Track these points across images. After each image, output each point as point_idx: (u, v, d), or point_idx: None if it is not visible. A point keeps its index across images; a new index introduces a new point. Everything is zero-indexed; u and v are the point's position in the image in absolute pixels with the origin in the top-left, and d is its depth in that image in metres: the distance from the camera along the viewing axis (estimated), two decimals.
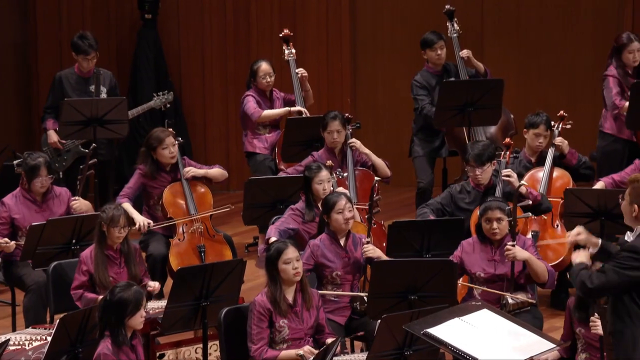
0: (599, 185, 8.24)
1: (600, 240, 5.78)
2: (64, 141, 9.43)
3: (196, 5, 11.44)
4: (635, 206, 5.49)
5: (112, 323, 6.07)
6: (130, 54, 11.36)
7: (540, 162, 8.51)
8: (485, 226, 7.21)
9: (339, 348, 6.68)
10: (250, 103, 9.33)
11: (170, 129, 8.37)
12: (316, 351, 6.46)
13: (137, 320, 6.11)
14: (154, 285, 7.15)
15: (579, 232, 5.89)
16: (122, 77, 11.16)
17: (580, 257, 5.72)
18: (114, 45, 11.47)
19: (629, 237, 5.61)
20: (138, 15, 11.28)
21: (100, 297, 6.91)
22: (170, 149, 8.22)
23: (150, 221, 8.18)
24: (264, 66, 9.35)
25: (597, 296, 5.73)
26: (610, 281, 5.46)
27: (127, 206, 8.11)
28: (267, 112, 9.32)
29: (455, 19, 9.58)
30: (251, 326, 6.53)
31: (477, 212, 7.50)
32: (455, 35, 9.51)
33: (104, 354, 6.02)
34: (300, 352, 6.44)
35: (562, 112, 8.63)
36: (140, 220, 8.15)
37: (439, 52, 9.36)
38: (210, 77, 11.51)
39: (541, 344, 5.65)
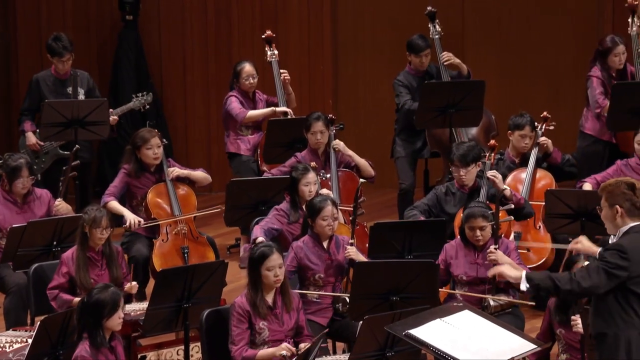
0: (587, 187, 8.26)
1: (599, 250, 5.71)
2: (42, 143, 9.40)
3: (177, 6, 11.42)
4: (617, 207, 5.49)
5: (89, 325, 6.05)
6: (111, 55, 11.33)
7: (524, 163, 8.53)
8: (468, 233, 7.23)
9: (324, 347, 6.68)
10: (234, 104, 9.32)
11: (157, 130, 8.37)
12: (293, 348, 6.47)
13: (115, 322, 6.09)
14: (130, 285, 7.13)
15: (578, 241, 5.86)
16: (103, 79, 11.14)
17: (512, 269, 5.62)
18: (94, 46, 11.44)
19: (612, 240, 5.60)
20: (119, 17, 11.25)
21: (76, 299, 6.90)
22: (154, 149, 8.21)
23: (141, 219, 8.16)
24: (248, 67, 9.34)
25: (583, 297, 5.70)
26: (600, 282, 5.42)
27: (115, 204, 8.13)
28: (252, 113, 9.31)
29: (437, 21, 9.59)
30: (231, 328, 6.52)
31: (460, 214, 7.51)
32: (437, 36, 9.52)
33: (82, 356, 6.01)
34: (283, 352, 6.44)
35: (545, 113, 8.67)
36: (131, 217, 8.14)
37: (424, 59, 9.38)
38: (192, 78, 11.49)
39: (522, 345, 5.66)
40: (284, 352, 6.43)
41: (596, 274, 5.40)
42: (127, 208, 8.31)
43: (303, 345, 6.48)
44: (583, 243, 5.84)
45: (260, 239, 7.49)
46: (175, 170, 8.31)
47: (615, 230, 5.53)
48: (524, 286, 5.49)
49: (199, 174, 8.44)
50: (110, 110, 9.23)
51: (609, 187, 5.53)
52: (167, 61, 11.47)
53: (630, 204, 5.45)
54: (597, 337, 5.53)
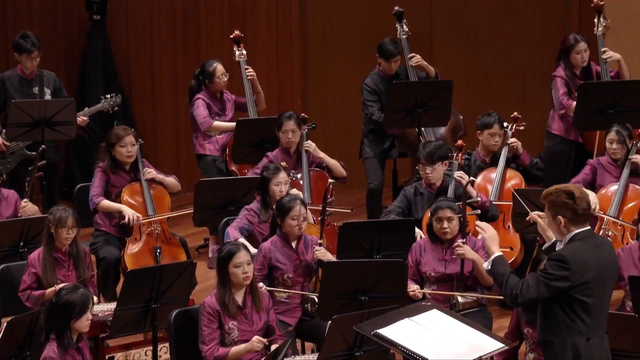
0: None
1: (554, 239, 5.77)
2: (7, 143, 9.34)
3: (145, 6, 11.38)
4: (560, 217, 5.52)
5: (57, 326, 6.02)
6: (79, 55, 11.28)
7: (494, 163, 8.57)
8: (436, 225, 7.26)
9: (289, 349, 6.68)
10: (201, 109, 9.31)
11: (132, 129, 8.38)
12: (265, 340, 6.47)
13: (83, 323, 6.07)
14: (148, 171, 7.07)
15: (541, 216, 5.89)
16: (70, 79, 11.08)
17: (494, 244, 5.69)
18: (62, 46, 11.38)
19: (559, 247, 5.63)
20: (86, 17, 11.20)
21: (49, 290, 6.87)
22: (128, 147, 8.21)
23: (140, 215, 8.15)
24: (220, 66, 9.36)
25: (527, 307, 5.73)
26: (541, 294, 5.46)
27: (108, 202, 8.14)
28: (217, 124, 9.31)
29: (405, 21, 9.61)
30: (202, 327, 6.51)
31: (428, 214, 7.54)
32: (404, 36, 9.54)
33: (50, 357, 5.98)
34: (258, 348, 6.43)
35: (515, 113, 8.72)
36: (130, 212, 8.12)
37: (393, 65, 9.40)
38: (160, 78, 11.45)
39: (490, 344, 5.69)
40: (258, 348, 6.43)
41: (535, 286, 5.47)
42: None
43: (274, 347, 6.48)
44: (489, 244, 5.88)
45: (241, 240, 7.49)
46: (152, 172, 8.32)
47: (561, 237, 5.58)
48: (487, 264, 5.61)
49: (172, 181, 8.45)
50: (86, 108, 9.20)
51: (549, 196, 5.56)
52: (135, 61, 11.43)
53: (572, 213, 5.49)
54: (544, 344, 5.56)
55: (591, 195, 8.10)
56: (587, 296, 5.42)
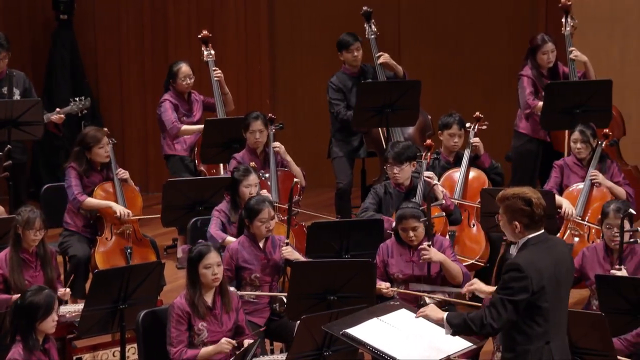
0: None
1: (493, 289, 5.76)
2: None
3: (112, 6, 11.33)
4: (516, 223, 5.52)
5: (23, 327, 5.98)
6: (45, 55, 11.22)
7: (458, 163, 8.59)
8: (402, 234, 7.26)
9: (258, 349, 6.67)
10: (168, 112, 9.29)
11: (105, 129, 8.36)
12: (233, 341, 6.46)
13: (49, 325, 6.03)
14: (63, 291, 7.08)
15: (472, 283, 5.95)
16: (37, 79, 11.01)
17: (437, 312, 5.68)
18: (27, 46, 11.31)
19: (513, 250, 5.64)
20: (53, 16, 11.14)
21: (15, 296, 6.83)
22: (105, 148, 8.22)
23: (130, 211, 8.13)
24: (184, 68, 9.32)
25: (505, 329, 5.69)
26: (510, 315, 5.43)
27: (93, 200, 8.10)
28: (186, 128, 9.29)
29: (373, 21, 9.63)
30: (170, 329, 6.49)
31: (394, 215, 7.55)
32: (372, 36, 9.55)
33: (15, 359, 5.94)
34: (227, 350, 6.43)
35: (477, 113, 8.74)
36: (120, 208, 8.10)
37: (355, 53, 9.40)
38: (128, 78, 11.41)
39: (458, 343, 5.71)
40: (227, 350, 6.42)
41: (503, 308, 5.43)
42: (69, 207, 8.27)
43: (246, 342, 6.47)
44: (477, 286, 5.93)
45: (229, 238, 7.51)
46: (126, 173, 8.32)
47: (515, 240, 5.59)
48: (446, 331, 5.56)
49: (134, 187, 8.47)
50: (57, 109, 9.17)
51: (506, 200, 5.56)
52: (102, 61, 11.38)
53: (529, 219, 5.50)
54: (506, 349, 5.56)
55: (565, 202, 8.15)
56: (544, 301, 5.42)
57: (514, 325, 5.46)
